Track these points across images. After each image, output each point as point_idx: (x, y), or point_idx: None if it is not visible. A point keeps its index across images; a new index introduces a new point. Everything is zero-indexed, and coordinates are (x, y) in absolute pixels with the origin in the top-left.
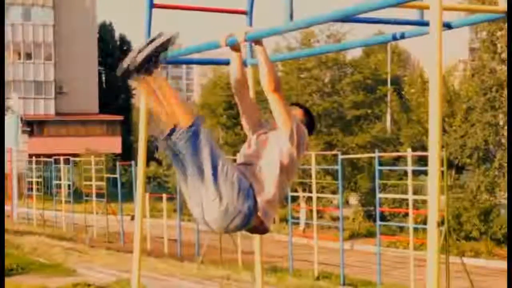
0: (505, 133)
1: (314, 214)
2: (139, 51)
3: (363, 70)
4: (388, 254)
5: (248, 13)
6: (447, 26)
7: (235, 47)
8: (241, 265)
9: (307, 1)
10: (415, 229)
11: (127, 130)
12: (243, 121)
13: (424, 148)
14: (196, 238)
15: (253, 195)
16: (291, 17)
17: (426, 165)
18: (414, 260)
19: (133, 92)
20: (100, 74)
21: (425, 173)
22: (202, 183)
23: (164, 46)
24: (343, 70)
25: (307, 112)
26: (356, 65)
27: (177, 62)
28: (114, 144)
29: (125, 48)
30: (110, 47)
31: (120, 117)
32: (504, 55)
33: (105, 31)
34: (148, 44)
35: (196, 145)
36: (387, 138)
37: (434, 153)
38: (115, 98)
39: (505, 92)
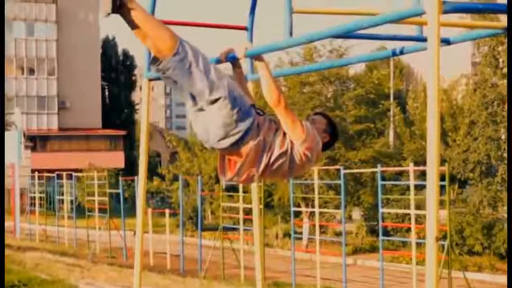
0: (507, 148)
1: (317, 229)
2: None
3: (366, 85)
4: (391, 269)
5: (249, 29)
6: (446, 42)
7: (235, 63)
8: (244, 280)
9: (307, 16)
10: (418, 244)
11: (130, 145)
12: None
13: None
14: (198, 253)
15: (255, 126)
16: (291, 33)
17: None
18: (417, 275)
19: (136, 107)
20: (103, 89)
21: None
22: (202, 101)
23: None
24: (345, 84)
25: (329, 121)
26: (358, 80)
27: None
28: (117, 159)
29: (128, 63)
30: (113, 62)
31: (123, 132)
32: (505, 70)
33: (108, 46)
34: None
35: (186, 69)
36: (390, 153)
37: (432, 168)
38: (118, 113)
39: (506, 106)
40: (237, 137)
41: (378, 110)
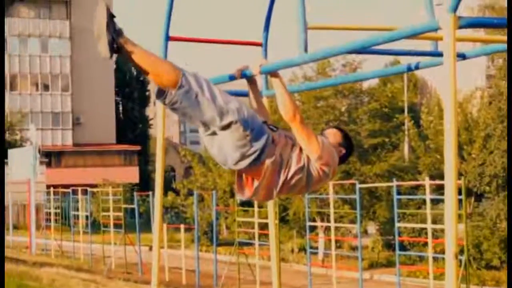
0: None
1: (333, 244)
2: (99, 40)
3: (380, 99)
4: (408, 283)
5: (263, 45)
6: (462, 56)
7: (250, 80)
8: None
9: (321, 32)
10: (435, 259)
11: (145, 160)
12: None
13: (443, 176)
14: (214, 268)
15: (270, 143)
16: (306, 49)
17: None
18: None
19: (151, 122)
20: (117, 104)
21: (443, 201)
22: (213, 127)
23: (109, 19)
24: (359, 98)
25: (345, 134)
26: (372, 94)
27: None
28: (132, 174)
29: (141, 78)
30: (127, 78)
31: (137, 147)
32: None
33: (122, 61)
34: (98, 28)
35: (193, 100)
36: (405, 167)
37: (450, 182)
38: (132, 128)
39: None
40: (253, 157)
41: (393, 124)
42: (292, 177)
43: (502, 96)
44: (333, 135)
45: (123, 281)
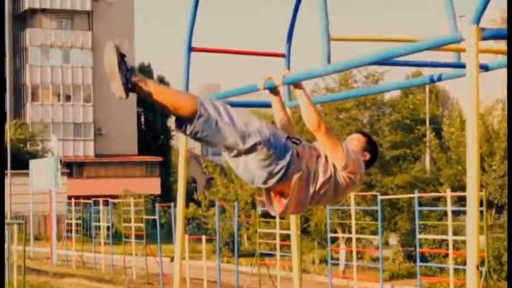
0: None
1: (354, 255)
2: (113, 81)
3: (402, 110)
4: None
5: (286, 56)
6: (484, 68)
7: (273, 90)
8: None
9: (343, 43)
10: (456, 270)
11: (166, 171)
12: None
13: (464, 188)
14: (235, 279)
15: (295, 158)
16: (329, 60)
17: (466, 205)
18: None
19: (172, 133)
20: (138, 115)
21: (464, 213)
22: (238, 150)
23: (121, 60)
24: (381, 110)
25: (369, 139)
26: (394, 105)
27: None
28: (153, 185)
29: None
30: None
31: (159, 158)
32: None
33: (143, 72)
34: (110, 69)
35: (214, 127)
36: (426, 178)
37: (472, 194)
38: (154, 139)
39: None
40: (280, 174)
41: (414, 136)
42: (320, 188)
43: None
44: (357, 140)
45: None
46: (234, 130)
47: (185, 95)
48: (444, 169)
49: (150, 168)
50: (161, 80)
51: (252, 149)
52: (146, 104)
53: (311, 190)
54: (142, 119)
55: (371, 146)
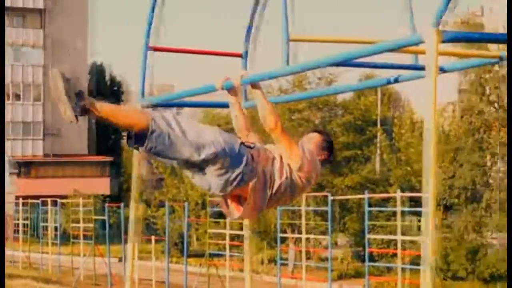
0: (493, 174)
1: (303, 255)
2: (62, 103)
3: (354, 112)
4: None
5: (244, 56)
6: (441, 70)
7: (232, 91)
8: None
9: (302, 44)
10: (403, 269)
11: (117, 172)
12: None
13: (413, 189)
14: (184, 280)
15: (251, 163)
16: (288, 61)
17: (415, 206)
18: None
19: (123, 133)
20: None
21: (413, 213)
22: (194, 160)
23: (67, 82)
24: (333, 111)
25: (326, 139)
26: (346, 107)
27: (176, 105)
28: (104, 185)
29: (115, 88)
30: (101, 88)
31: (109, 158)
32: (492, 97)
33: (96, 72)
34: (57, 95)
35: (166, 141)
36: (376, 179)
37: (429, 194)
38: (104, 139)
39: (492, 133)
40: (237, 181)
41: (366, 137)
42: (277, 191)
43: (473, 110)
44: (314, 140)
45: None
46: (188, 143)
47: (135, 113)
48: (393, 170)
49: (101, 168)
50: (113, 79)
51: (207, 160)
52: None
53: (268, 193)
54: (93, 119)
55: (328, 145)
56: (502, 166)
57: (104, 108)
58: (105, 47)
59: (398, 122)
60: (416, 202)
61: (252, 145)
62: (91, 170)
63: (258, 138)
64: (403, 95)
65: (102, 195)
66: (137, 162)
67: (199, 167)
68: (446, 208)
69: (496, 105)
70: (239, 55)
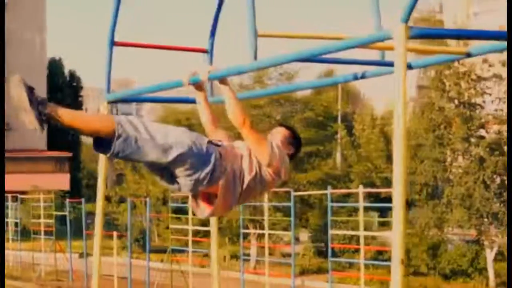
0: (453, 170)
1: (266, 251)
2: (24, 111)
3: (315, 107)
4: None
5: (209, 51)
6: (408, 66)
7: (198, 86)
8: None
9: (267, 40)
10: (365, 265)
11: (76, 167)
12: None
13: (373, 185)
14: (146, 275)
15: (219, 162)
16: (255, 56)
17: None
18: None
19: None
20: None
21: (374, 209)
22: (163, 163)
23: (29, 90)
24: (294, 107)
25: (293, 133)
26: (307, 102)
27: (139, 100)
28: (63, 181)
29: (74, 84)
30: (60, 83)
31: (68, 154)
32: (452, 94)
33: (54, 67)
34: (19, 103)
35: (134, 144)
36: (337, 175)
37: (399, 189)
38: (63, 135)
39: (453, 129)
40: (206, 180)
41: (327, 132)
42: (247, 187)
43: (434, 106)
44: (281, 134)
45: None
46: (155, 145)
47: (100, 118)
48: (354, 166)
49: (60, 163)
50: (72, 74)
51: (174, 162)
52: (57, 98)
53: (238, 190)
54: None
55: (295, 140)
56: (461, 162)
57: (67, 114)
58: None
59: (358, 118)
60: (376, 198)
61: (219, 143)
62: (50, 165)
63: (225, 134)
64: (362, 92)
65: (62, 190)
66: (103, 161)
67: (167, 169)
68: (407, 204)
69: (456, 101)
70: (204, 51)
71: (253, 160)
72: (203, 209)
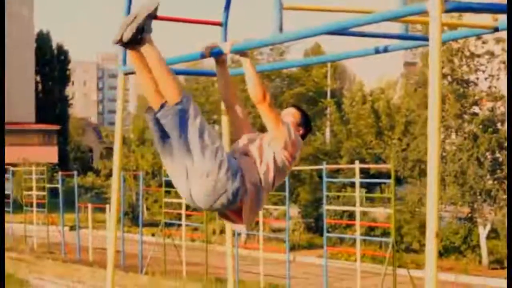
0: (446, 147)
1: (261, 226)
2: (130, 23)
3: (306, 83)
4: (330, 265)
5: (223, 24)
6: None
7: (219, 59)
8: (186, 276)
9: (292, 13)
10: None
11: (64, 140)
12: (233, 132)
13: (363, 160)
14: (139, 249)
15: (242, 178)
16: (281, 29)
17: (366, 177)
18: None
19: (70, 101)
20: (37, 83)
21: (362, 185)
22: (189, 160)
23: (152, 15)
24: (285, 82)
25: (303, 113)
26: (299, 78)
27: None
28: (51, 154)
29: (62, 57)
30: (48, 57)
31: (56, 127)
32: (445, 70)
33: (42, 40)
34: (135, 17)
35: (183, 122)
36: (327, 151)
37: (433, 168)
38: (51, 108)
39: (446, 106)
40: (230, 203)
41: (318, 108)
42: (271, 186)
43: (427, 83)
44: (292, 115)
45: (52, 261)
46: (198, 137)
47: (177, 80)
48: (344, 141)
49: (48, 136)
50: (60, 48)
51: (204, 164)
52: (45, 72)
53: (263, 196)
54: (40, 87)
55: (306, 120)
56: (455, 139)
57: (156, 54)
58: (49, 15)
59: (348, 94)
60: (366, 173)
61: (236, 155)
62: (38, 138)
63: (243, 111)
64: (349, 68)
65: (50, 163)
66: (119, 129)
67: (190, 170)
68: (398, 180)
69: (449, 78)
70: (219, 24)
71: (264, 159)
72: (239, 225)
